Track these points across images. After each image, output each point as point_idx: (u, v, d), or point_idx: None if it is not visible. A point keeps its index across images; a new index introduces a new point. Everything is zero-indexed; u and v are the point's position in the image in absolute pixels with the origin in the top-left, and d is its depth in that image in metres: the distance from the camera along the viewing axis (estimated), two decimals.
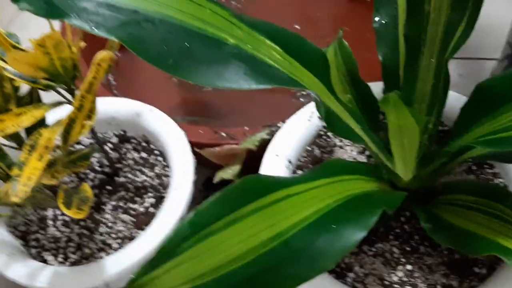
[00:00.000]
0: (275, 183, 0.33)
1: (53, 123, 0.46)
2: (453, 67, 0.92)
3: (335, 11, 1.05)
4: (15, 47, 0.48)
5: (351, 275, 0.47)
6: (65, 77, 0.49)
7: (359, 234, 0.32)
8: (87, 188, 0.46)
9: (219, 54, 0.34)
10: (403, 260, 0.48)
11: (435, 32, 0.41)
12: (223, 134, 0.69)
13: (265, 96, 0.90)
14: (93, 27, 0.30)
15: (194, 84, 1.01)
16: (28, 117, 0.46)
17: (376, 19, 0.47)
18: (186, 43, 0.33)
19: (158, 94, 0.90)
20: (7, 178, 0.46)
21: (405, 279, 0.47)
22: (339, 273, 0.47)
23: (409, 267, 0.48)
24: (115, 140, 0.65)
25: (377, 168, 0.46)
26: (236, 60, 0.34)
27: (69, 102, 0.52)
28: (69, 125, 0.46)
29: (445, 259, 0.48)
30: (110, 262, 0.52)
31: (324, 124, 0.57)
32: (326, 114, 0.39)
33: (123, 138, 0.65)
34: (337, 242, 0.31)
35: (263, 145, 0.67)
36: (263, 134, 0.66)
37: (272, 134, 0.67)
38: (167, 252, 0.27)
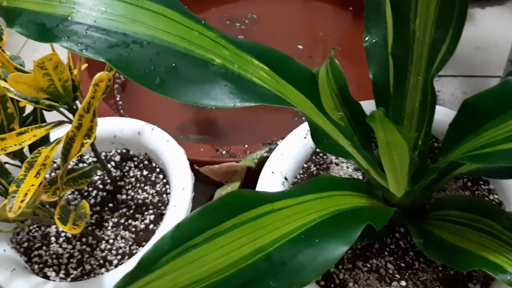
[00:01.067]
0: (259, 198, 0.34)
1: (53, 141, 0.48)
2: (457, 85, 0.93)
3: (339, 30, 1.06)
4: (18, 69, 0.50)
5: None
6: (66, 97, 0.51)
7: (342, 249, 0.32)
8: (85, 205, 0.48)
9: (205, 74, 0.35)
10: (398, 276, 0.48)
11: (421, 50, 0.42)
12: (224, 151, 0.71)
13: (269, 115, 0.91)
14: (82, 50, 0.32)
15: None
16: (29, 136, 0.48)
17: (367, 38, 0.48)
18: (173, 64, 0.34)
19: (164, 114, 0.92)
20: (7, 195, 0.48)
21: None
22: None
23: (403, 283, 0.48)
24: (118, 158, 0.66)
25: (369, 185, 0.47)
26: (222, 79, 0.35)
27: (71, 122, 0.54)
28: (68, 143, 0.47)
29: (439, 275, 0.48)
30: (109, 278, 0.53)
31: None
32: (314, 131, 0.40)
33: (126, 157, 0.66)
34: (320, 256, 0.32)
35: (263, 162, 0.68)
36: (262, 152, 0.67)
37: (271, 152, 0.68)
38: (148, 265, 0.28)
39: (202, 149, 0.71)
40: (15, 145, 0.47)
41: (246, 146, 0.70)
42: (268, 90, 0.37)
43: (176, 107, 0.94)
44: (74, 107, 0.53)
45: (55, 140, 0.47)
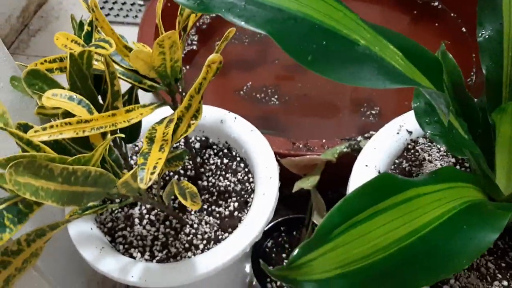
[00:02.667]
0: (405, 182, 0.34)
1: (161, 120, 0.48)
2: None
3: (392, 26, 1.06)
4: (126, 47, 0.50)
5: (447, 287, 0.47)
6: (170, 78, 0.51)
7: (492, 236, 0.32)
8: (189, 185, 0.48)
9: (352, 54, 0.35)
10: (499, 275, 0.47)
11: None
12: (300, 145, 0.70)
13: (329, 113, 0.91)
14: (244, 22, 0.32)
15: (261, 98, 1.01)
16: (136, 114, 0.48)
17: (480, 33, 0.48)
18: (324, 42, 0.34)
19: (226, 107, 0.92)
20: (112, 170, 0.48)
21: None
22: (434, 285, 0.47)
23: (505, 283, 0.47)
24: (197, 145, 0.66)
25: (478, 180, 0.46)
26: (368, 60, 0.35)
27: (170, 104, 0.54)
28: (176, 123, 0.47)
29: None
30: (200, 261, 0.53)
31: (413, 138, 0.58)
32: (440, 120, 0.40)
33: (206, 144, 0.66)
34: (471, 242, 0.31)
35: (342, 157, 0.68)
36: (342, 147, 0.67)
37: (350, 147, 0.68)
38: (321, 236, 0.28)
39: (278, 141, 0.70)
40: (124, 121, 0.47)
41: (324, 140, 0.70)
42: (407, 75, 0.37)
43: (238, 100, 0.94)
44: (173, 90, 0.53)
45: (165, 118, 0.47)
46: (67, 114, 0.47)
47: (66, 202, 0.40)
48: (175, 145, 0.66)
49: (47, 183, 0.37)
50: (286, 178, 0.72)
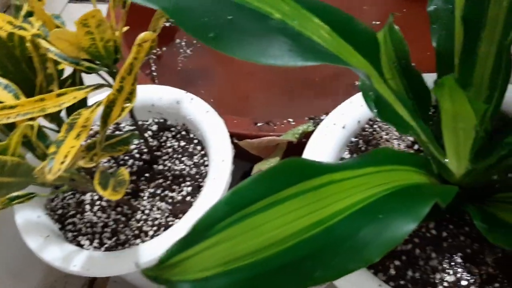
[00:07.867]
0: (319, 167, 0.31)
1: (91, 104, 0.46)
2: None
3: (386, 8, 1.01)
4: (58, 28, 0.48)
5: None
6: (107, 59, 0.48)
7: (408, 226, 0.29)
8: (123, 172, 0.45)
9: (262, 29, 0.32)
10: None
11: (496, 15, 0.38)
12: (262, 124, 0.67)
13: (304, 92, 0.87)
14: None
15: None
16: (69, 98, 0.46)
17: (431, 3, 0.44)
18: (229, 16, 0.31)
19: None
20: (45, 158, 0.46)
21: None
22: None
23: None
24: (155, 127, 0.64)
25: (427, 161, 0.43)
26: (280, 35, 0.32)
27: (110, 86, 0.52)
28: (108, 107, 0.45)
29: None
30: (144, 248, 0.51)
31: (371, 116, 0.55)
32: (376, 99, 0.37)
33: (163, 126, 0.64)
34: (385, 233, 0.29)
35: (305, 138, 0.65)
36: (305, 127, 0.64)
37: (315, 127, 0.65)
38: (201, 231, 0.25)
39: (240, 122, 0.68)
40: (55, 106, 0.45)
41: (290, 120, 0.67)
42: (329, 50, 0.34)
43: None
44: (114, 71, 0.51)
45: (95, 103, 0.45)
46: None
47: None
48: (129, 128, 0.64)
49: None
50: (257, 158, 0.69)
